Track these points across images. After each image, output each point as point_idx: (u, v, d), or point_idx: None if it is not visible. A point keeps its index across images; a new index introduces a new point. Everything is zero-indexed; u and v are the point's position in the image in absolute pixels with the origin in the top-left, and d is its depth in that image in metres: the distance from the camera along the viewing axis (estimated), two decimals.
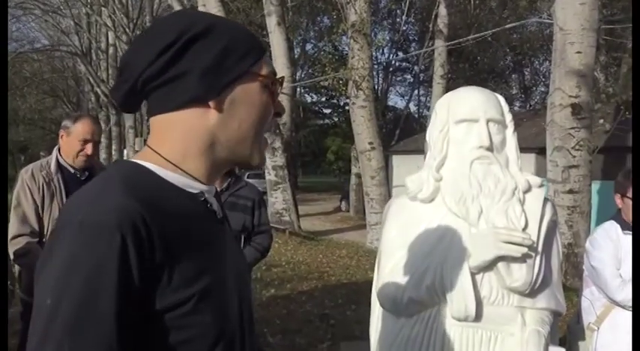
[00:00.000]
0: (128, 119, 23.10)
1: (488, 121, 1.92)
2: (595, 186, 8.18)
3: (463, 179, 1.90)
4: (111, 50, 24.15)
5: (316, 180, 38.60)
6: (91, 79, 24.46)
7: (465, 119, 1.94)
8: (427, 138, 2.07)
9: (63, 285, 0.78)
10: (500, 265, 1.81)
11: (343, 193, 21.10)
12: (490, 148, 1.91)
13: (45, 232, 2.77)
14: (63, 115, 30.55)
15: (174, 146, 0.95)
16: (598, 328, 2.67)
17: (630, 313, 2.59)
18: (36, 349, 0.78)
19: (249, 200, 3.18)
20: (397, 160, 17.92)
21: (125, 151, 23.06)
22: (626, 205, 2.71)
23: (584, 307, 2.77)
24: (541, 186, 1.95)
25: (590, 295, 2.75)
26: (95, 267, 0.78)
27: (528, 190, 1.92)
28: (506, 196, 1.87)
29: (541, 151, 9.56)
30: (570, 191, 7.03)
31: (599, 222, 8.90)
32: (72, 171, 2.90)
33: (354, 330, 5.25)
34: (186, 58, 0.92)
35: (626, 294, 2.56)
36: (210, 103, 0.93)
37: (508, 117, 2.00)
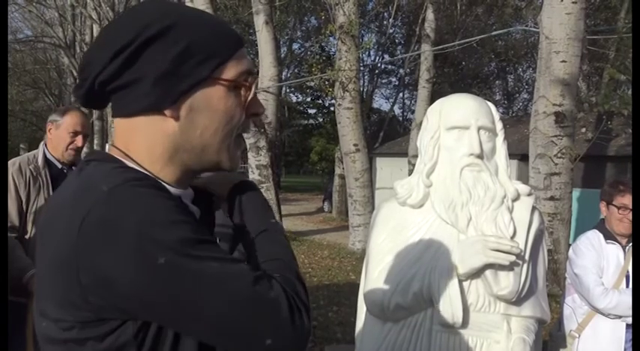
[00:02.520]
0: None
1: (479, 128, 1.94)
2: (575, 194, 8.28)
3: (453, 186, 1.90)
4: None
5: (299, 180, 38.57)
6: (74, 71, 24.12)
7: (456, 126, 1.95)
8: (418, 143, 2.07)
9: (155, 240, 0.77)
10: (488, 272, 1.82)
11: (326, 193, 21.09)
12: (480, 156, 1.92)
13: (27, 227, 2.73)
14: (44, 107, 30.10)
15: (140, 151, 0.91)
16: (579, 336, 2.71)
17: (612, 321, 2.63)
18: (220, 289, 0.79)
19: None
20: (381, 163, 17.97)
21: (107, 146, 22.83)
22: (610, 213, 2.76)
23: (566, 315, 2.80)
24: (529, 194, 1.97)
25: (572, 303, 2.78)
26: (158, 209, 0.80)
27: (517, 198, 1.94)
28: (495, 204, 1.88)
29: (523, 158, 9.66)
30: (552, 198, 7.11)
31: (578, 229, 8.98)
32: (59, 166, 2.88)
33: (336, 332, 5.26)
34: (139, 63, 0.86)
35: (608, 301, 2.60)
36: (166, 112, 0.88)
37: (499, 125, 2.01)
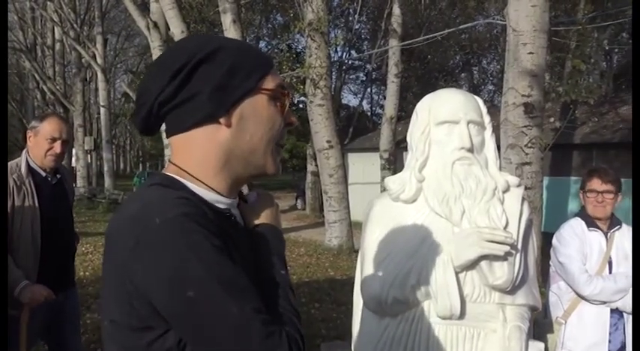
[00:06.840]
0: (77, 118, 22.32)
1: (468, 122, 1.97)
2: (543, 182, 8.48)
3: (445, 180, 1.93)
4: (57, 46, 23.35)
5: (270, 178, 38.36)
6: (36, 75, 23.58)
7: (446, 121, 1.98)
8: (408, 139, 2.10)
9: (189, 275, 0.88)
10: (483, 263, 1.85)
11: (299, 191, 21.10)
12: (471, 150, 1.95)
13: (14, 237, 2.66)
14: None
15: (194, 164, 1.02)
16: (565, 322, 2.78)
17: (596, 307, 2.71)
18: (229, 326, 0.88)
19: None
20: (352, 158, 18.05)
21: (74, 151, 22.32)
22: (585, 199, 2.85)
23: (552, 302, 2.87)
24: (519, 185, 2.02)
25: (557, 290, 2.85)
26: (197, 249, 0.89)
27: (507, 189, 1.98)
28: (487, 196, 1.92)
29: None
30: (524, 188, 7.26)
31: (547, 217, 9.11)
32: (43, 174, 2.82)
33: (320, 328, 5.27)
34: (195, 80, 0.99)
35: (592, 288, 2.67)
36: (221, 120, 1.00)
37: (487, 119, 2.05)
